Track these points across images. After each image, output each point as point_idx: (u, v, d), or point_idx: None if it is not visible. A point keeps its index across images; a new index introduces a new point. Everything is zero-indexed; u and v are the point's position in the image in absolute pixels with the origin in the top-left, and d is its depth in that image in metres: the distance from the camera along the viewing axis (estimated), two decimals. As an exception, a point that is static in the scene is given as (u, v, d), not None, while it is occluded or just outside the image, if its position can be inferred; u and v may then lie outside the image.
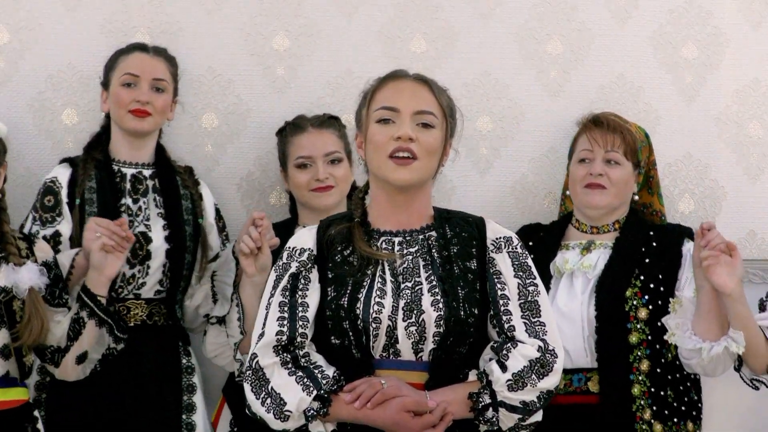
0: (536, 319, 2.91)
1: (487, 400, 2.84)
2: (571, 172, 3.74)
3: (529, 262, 2.97)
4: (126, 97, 3.66)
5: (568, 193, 3.79)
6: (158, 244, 3.66)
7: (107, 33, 3.93)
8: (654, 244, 3.64)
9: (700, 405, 3.65)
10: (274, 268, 2.98)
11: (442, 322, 2.85)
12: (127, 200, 3.67)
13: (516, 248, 2.96)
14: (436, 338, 2.85)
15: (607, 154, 3.67)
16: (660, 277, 3.59)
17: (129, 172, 3.71)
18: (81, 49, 3.91)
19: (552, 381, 2.88)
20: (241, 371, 3.64)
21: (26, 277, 3.31)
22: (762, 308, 3.54)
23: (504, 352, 2.86)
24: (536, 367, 2.86)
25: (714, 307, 3.43)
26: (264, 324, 2.92)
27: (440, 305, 2.85)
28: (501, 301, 2.91)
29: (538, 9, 4.07)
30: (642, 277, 3.59)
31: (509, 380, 2.83)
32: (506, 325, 2.90)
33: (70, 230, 3.62)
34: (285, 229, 3.76)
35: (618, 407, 3.52)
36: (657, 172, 3.83)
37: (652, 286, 3.58)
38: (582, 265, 3.62)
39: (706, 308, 3.44)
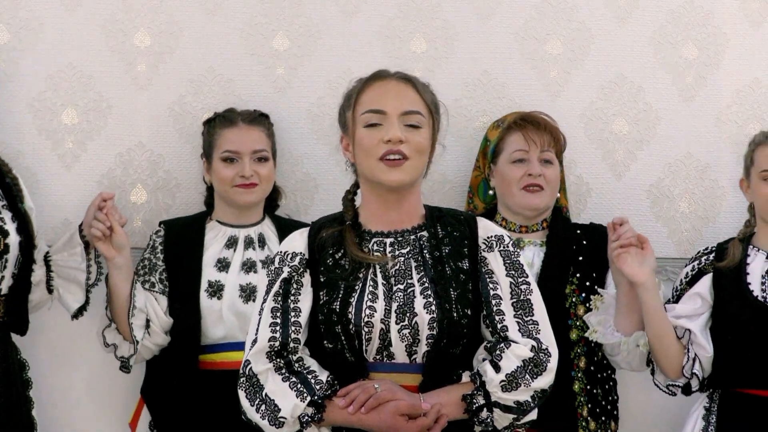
0: (529, 318, 2.90)
1: (481, 401, 2.84)
2: (502, 173, 3.71)
3: (521, 260, 2.96)
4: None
5: (491, 192, 3.77)
6: (13, 237, 3.55)
7: (107, 33, 3.94)
8: (584, 242, 3.69)
9: (618, 404, 3.70)
10: (266, 272, 2.98)
11: (435, 324, 2.84)
12: None
13: (507, 247, 2.95)
14: (430, 340, 2.84)
15: (542, 153, 3.68)
16: (594, 275, 3.65)
17: None
18: (81, 49, 3.91)
19: (546, 380, 2.87)
20: (117, 357, 3.67)
21: None
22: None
23: (497, 352, 2.85)
24: (530, 367, 2.85)
25: (633, 301, 3.50)
26: (257, 330, 2.91)
27: (433, 307, 2.84)
28: (493, 301, 2.90)
29: (538, 9, 4.06)
30: (578, 275, 3.64)
31: (503, 381, 2.83)
32: (499, 325, 2.89)
33: None
34: (197, 223, 3.77)
35: (562, 404, 3.54)
36: (564, 168, 3.83)
37: (587, 283, 3.64)
38: None
39: (625, 302, 3.51)
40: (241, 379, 2.89)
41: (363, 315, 2.84)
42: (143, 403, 3.77)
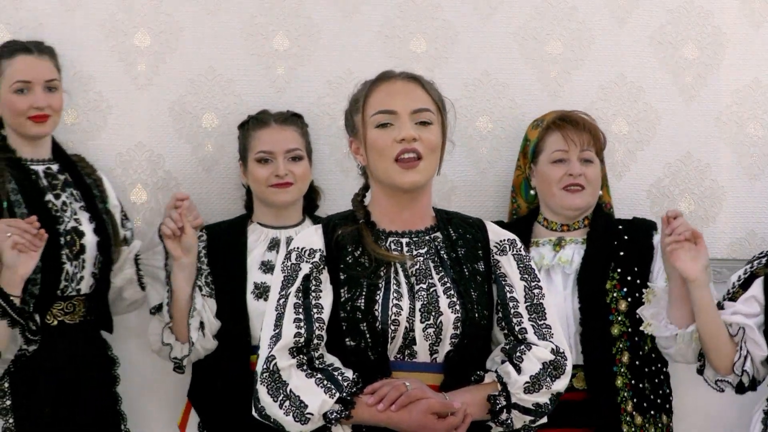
0: (542, 322, 2.92)
1: (503, 402, 2.84)
2: (543, 173, 3.71)
3: (533, 264, 2.97)
4: (22, 105, 3.61)
5: (532, 192, 3.78)
6: (89, 238, 3.63)
7: (107, 33, 3.93)
8: (625, 237, 3.67)
9: (671, 398, 3.68)
10: (281, 268, 2.94)
11: (459, 324, 2.85)
12: (50, 197, 3.63)
13: (520, 250, 2.97)
14: (453, 340, 2.85)
15: (582, 153, 3.68)
16: (636, 269, 3.62)
17: (39, 168, 3.67)
18: (81, 49, 3.91)
19: (564, 383, 2.89)
20: (171, 357, 3.67)
21: None
22: (720, 308, 3.56)
23: (518, 354, 2.86)
24: (549, 369, 2.86)
25: (686, 293, 3.46)
26: (276, 326, 2.87)
27: (457, 307, 2.85)
28: (511, 304, 2.91)
29: (538, 9, 4.07)
30: (619, 270, 3.62)
31: (527, 383, 2.84)
32: (517, 328, 2.90)
33: None
34: (238, 225, 3.78)
35: (605, 400, 3.54)
36: (605, 166, 3.83)
37: (629, 278, 3.61)
38: (560, 260, 3.64)
39: (678, 295, 3.48)
40: (264, 375, 2.84)
41: (390, 313, 2.83)
42: (190, 405, 3.78)
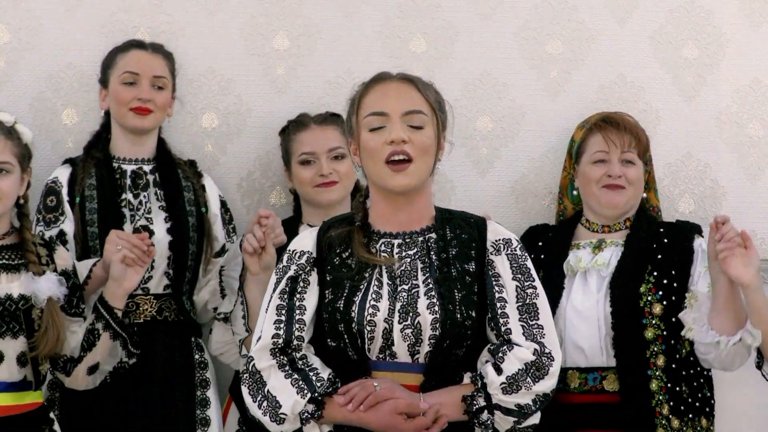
0: (534, 322, 2.91)
1: (481, 402, 2.84)
2: (584, 173, 3.71)
3: (529, 264, 2.96)
4: (127, 96, 3.67)
5: (575, 192, 3.79)
6: (160, 237, 3.66)
7: (107, 33, 3.93)
8: (665, 240, 3.65)
9: (712, 401, 3.65)
10: (275, 270, 2.98)
11: (438, 325, 2.84)
12: (128, 195, 3.67)
13: (515, 250, 2.96)
14: (432, 341, 2.85)
15: (623, 154, 3.67)
16: (673, 273, 3.60)
17: (129, 168, 3.72)
18: (81, 49, 3.91)
19: (548, 384, 2.88)
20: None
21: (45, 287, 3.31)
22: None
23: (500, 354, 2.86)
24: (531, 370, 2.85)
25: (730, 300, 3.43)
26: (261, 327, 2.93)
27: (436, 308, 2.85)
28: (498, 304, 2.90)
29: (538, 9, 4.07)
30: (655, 273, 3.60)
31: (503, 383, 2.83)
32: (503, 328, 2.89)
33: (73, 228, 3.62)
34: (288, 228, 3.77)
35: (638, 403, 3.52)
36: (653, 168, 3.83)
37: (665, 282, 3.59)
38: (596, 263, 3.63)
39: (722, 301, 3.44)
40: (244, 376, 2.91)
41: (366, 314, 2.85)
42: (231, 401, 3.79)
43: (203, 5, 3.98)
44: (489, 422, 2.84)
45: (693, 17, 4.09)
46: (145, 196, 3.69)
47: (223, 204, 3.85)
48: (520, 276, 2.94)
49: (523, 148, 4.06)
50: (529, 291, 2.93)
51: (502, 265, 2.94)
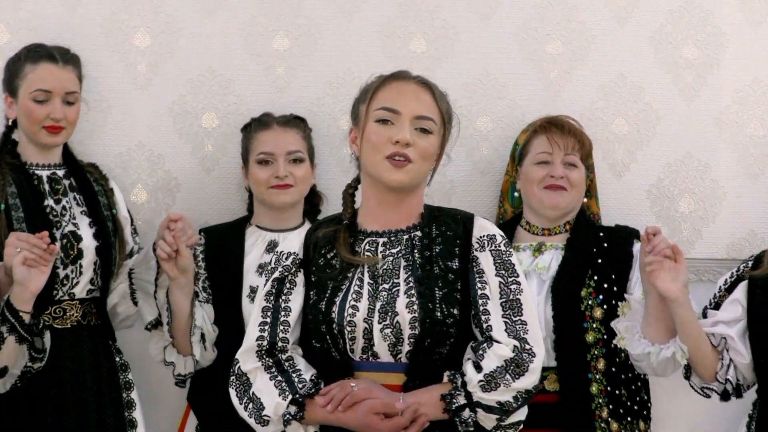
0: (517, 318, 2.90)
1: (461, 401, 2.84)
2: (526, 173, 3.72)
3: (513, 260, 2.95)
4: (40, 114, 3.59)
5: (516, 195, 3.79)
6: (88, 242, 3.61)
7: (107, 33, 3.94)
8: (605, 245, 3.67)
9: (649, 405, 3.68)
10: (264, 273, 3.00)
11: (417, 324, 2.84)
12: (50, 201, 3.61)
13: (499, 246, 2.95)
14: (412, 340, 2.85)
15: (566, 156, 3.70)
16: (613, 277, 3.63)
17: (44, 173, 3.66)
18: (81, 49, 3.89)
19: (529, 381, 2.86)
20: (174, 374, 3.67)
21: None
22: (704, 315, 3.56)
23: (480, 352, 2.86)
24: (511, 367, 2.85)
25: (662, 310, 3.44)
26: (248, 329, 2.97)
27: (415, 307, 2.85)
28: (480, 301, 2.90)
29: (538, 9, 4.06)
30: (596, 277, 3.62)
31: (481, 381, 2.83)
32: (484, 325, 2.89)
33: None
34: (236, 228, 3.78)
35: (577, 405, 3.54)
36: (595, 176, 3.86)
37: (605, 286, 3.61)
38: (537, 266, 3.64)
39: (655, 312, 3.46)
40: (231, 378, 2.93)
41: (346, 314, 2.86)
42: (190, 409, 3.79)
43: (203, 5, 3.98)
44: (470, 420, 2.84)
45: (693, 17, 4.09)
46: (67, 202, 3.64)
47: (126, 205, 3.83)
48: (503, 272, 2.92)
49: (523, 148, 4.06)
50: (513, 287, 2.92)
51: (485, 261, 2.93)
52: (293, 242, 3.01)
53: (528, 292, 2.94)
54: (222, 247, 3.75)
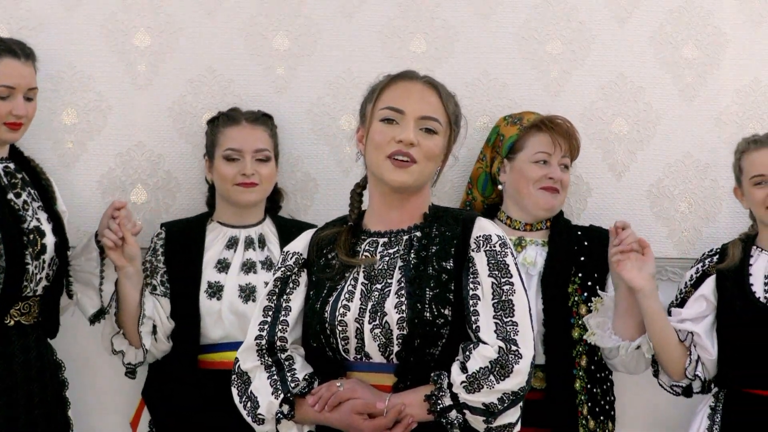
0: (508, 319, 2.84)
1: (447, 402, 2.81)
2: (521, 170, 3.71)
3: (508, 260, 2.90)
4: (1, 110, 3.55)
5: (500, 187, 3.78)
6: (50, 238, 3.59)
7: (107, 33, 3.94)
8: (585, 243, 3.71)
9: (615, 404, 3.71)
10: (272, 271, 3.01)
11: (405, 324, 2.82)
12: (11, 195, 3.58)
13: (494, 246, 2.90)
14: (400, 340, 2.83)
15: (562, 159, 3.73)
16: (595, 275, 3.66)
17: None
18: (81, 48, 3.91)
19: (514, 382, 2.80)
20: (124, 363, 3.66)
21: None
22: (669, 314, 3.60)
23: (467, 353, 2.83)
24: (496, 368, 2.80)
25: (631, 305, 3.50)
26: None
27: (403, 307, 2.83)
28: (471, 301, 2.86)
29: (538, 9, 4.06)
30: (580, 275, 3.65)
31: (464, 382, 2.79)
32: (474, 326, 2.86)
33: None
34: (197, 224, 3.77)
35: (563, 401, 3.56)
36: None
37: (589, 283, 3.65)
38: (525, 260, 3.65)
39: (624, 306, 3.52)
40: (233, 377, 2.94)
41: (337, 314, 2.86)
42: (144, 404, 3.78)
43: (203, 5, 3.98)
44: (457, 422, 2.81)
45: (693, 17, 4.09)
46: (27, 196, 3.61)
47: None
48: (497, 272, 2.88)
49: (523, 148, 4.06)
50: (506, 288, 2.87)
51: (480, 261, 2.89)
52: (298, 242, 3.01)
53: (521, 293, 2.89)
54: (182, 242, 3.74)
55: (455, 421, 2.81)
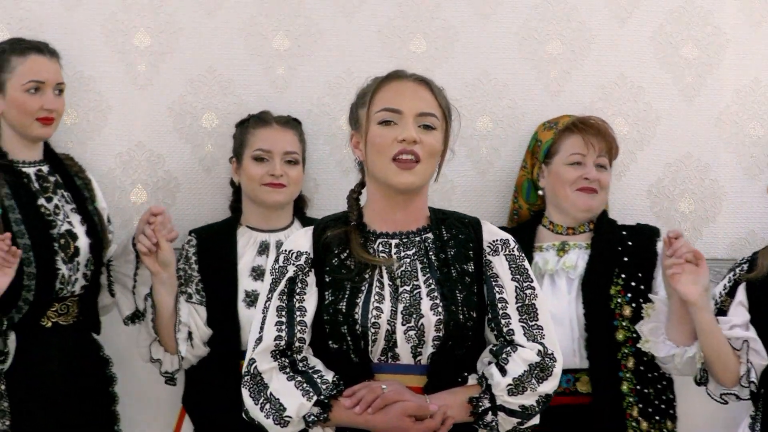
0: (534, 323, 2.90)
1: (486, 404, 2.84)
2: (557, 174, 3.72)
3: (526, 264, 2.96)
4: (33, 105, 3.59)
5: (540, 192, 3.79)
6: (83, 240, 3.62)
7: (107, 33, 3.94)
8: (629, 243, 3.68)
9: (675, 403, 3.68)
10: (270, 270, 2.96)
11: (441, 326, 2.84)
12: (42, 200, 3.61)
13: (513, 251, 2.95)
14: (436, 342, 2.84)
15: (598, 159, 3.71)
16: (639, 275, 3.63)
17: (30, 171, 3.65)
18: (81, 49, 3.91)
19: (551, 385, 2.87)
20: (161, 372, 3.67)
21: None
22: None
23: (504, 356, 2.85)
24: (536, 371, 2.85)
25: (686, 313, 3.45)
26: (261, 328, 2.90)
27: (439, 309, 2.84)
28: (499, 305, 2.89)
29: (538, 9, 4.06)
30: (623, 276, 3.62)
31: (510, 384, 2.83)
32: (505, 329, 2.89)
33: None
34: (226, 229, 3.76)
35: (610, 405, 3.54)
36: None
37: (633, 284, 3.62)
38: (564, 265, 3.64)
39: (678, 314, 3.47)
40: (245, 378, 2.88)
41: (370, 316, 2.84)
42: (185, 412, 3.77)
43: (203, 5, 3.98)
44: (493, 423, 2.84)
45: (693, 17, 4.09)
46: (59, 200, 3.64)
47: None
48: (518, 277, 2.93)
49: (523, 148, 4.05)
50: (528, 292, 2.93)
51: (500, 265, 2.93)
52: (302, 241, 2.96)
53: (542, 297, 2.94)
54: (214, 249, 3.72)
55: (492, 423, 2.84)
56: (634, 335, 3.57)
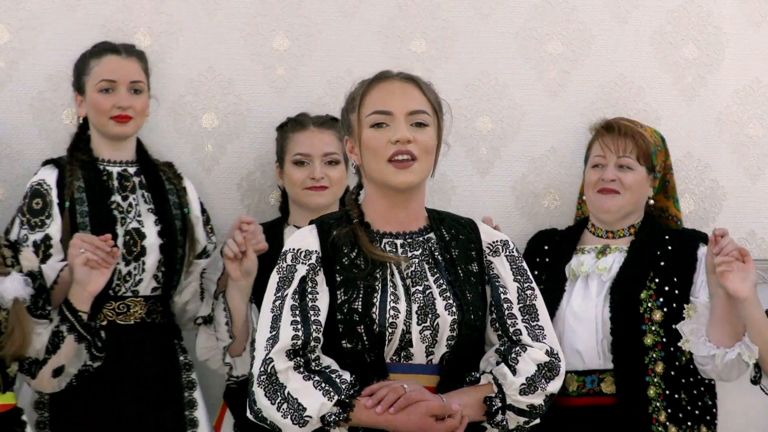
0: (535, 323, 2.93)
1: (498, 403, 2.85)
2: (586, 177, 3.76)
3: (525, 265, 2.97)
4: (106, 104, 3.65)
5: (584, 198, 3.81)
6: (152, 240, 3.65)
7: (107, 33, 3.93)
8: (669, 248, 3.65)
9: (714, 410, 3.65)
10: (276, 269, 2.93)
11: (456, 326, 2.85)
12: (117, 198, 3.66)
13: (512, 252, 2.97)
14: (450, 342, 2.85)
15: (619, 159, 3.69)
16: (675, 280, 3.61)
17: (114, 170, 3.70)
18: (81, 49, 3.89)
19: (557, 384, 2.90)
20: (231, 375, 3.66)
21: (11, 288, 3.28)
22: None
23: (513, 355, 2.87)
24: (545, 371, 2.88)
25: (728, 313, 3.43)
26: (273, 328, 2.86)
27: (453, 309, 2.85)
28: (505, 305, 2.91)
29: (538, 9, 4.07)
30: (657, 280, 3.60)
31: (523, 384, 2.84)
32: (512, 329, 2.90)
33: (60, 233, 3.58)
34: (274, 228, 3.76)
35: (634, 409, 3.53)
36: (673, 176, 3.84)
37: (667, 288, 3.60)
38: (597, 267, 3.64)
39: (720, 314, 3.44)
40: (261, 377, 2.82)
41: (388, 315, 2.83)
42: (226, 407, 3.78)
43: (203, 5, 3.98)
44: (504, 422, 2.85)
45: (693, 17, 4.09)
46: (134, 199, 3.68)
47: (201, 205, 3.84)
48: (519, 277, 2.95)
49: (522, 148, 4.06)
50: (528, 292, 2.95)
51: (501, 266, 2.94)
52: (308, 239, 2.93)
53: (541, 298, 2.96)
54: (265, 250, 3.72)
55: (503, 422, 2.85)
56: (664, 340, 3.56)
